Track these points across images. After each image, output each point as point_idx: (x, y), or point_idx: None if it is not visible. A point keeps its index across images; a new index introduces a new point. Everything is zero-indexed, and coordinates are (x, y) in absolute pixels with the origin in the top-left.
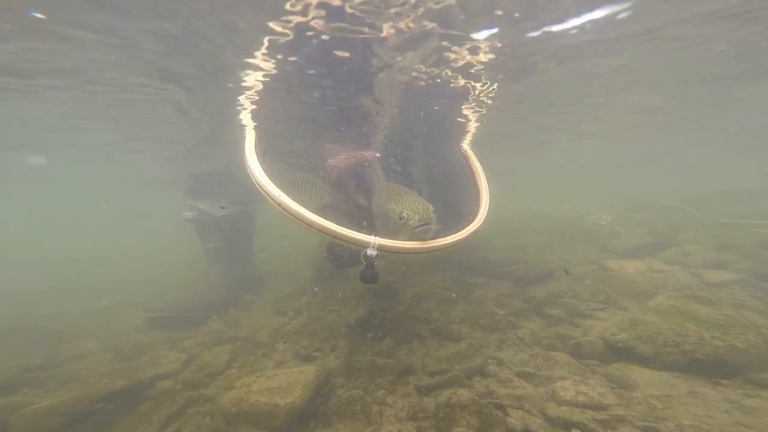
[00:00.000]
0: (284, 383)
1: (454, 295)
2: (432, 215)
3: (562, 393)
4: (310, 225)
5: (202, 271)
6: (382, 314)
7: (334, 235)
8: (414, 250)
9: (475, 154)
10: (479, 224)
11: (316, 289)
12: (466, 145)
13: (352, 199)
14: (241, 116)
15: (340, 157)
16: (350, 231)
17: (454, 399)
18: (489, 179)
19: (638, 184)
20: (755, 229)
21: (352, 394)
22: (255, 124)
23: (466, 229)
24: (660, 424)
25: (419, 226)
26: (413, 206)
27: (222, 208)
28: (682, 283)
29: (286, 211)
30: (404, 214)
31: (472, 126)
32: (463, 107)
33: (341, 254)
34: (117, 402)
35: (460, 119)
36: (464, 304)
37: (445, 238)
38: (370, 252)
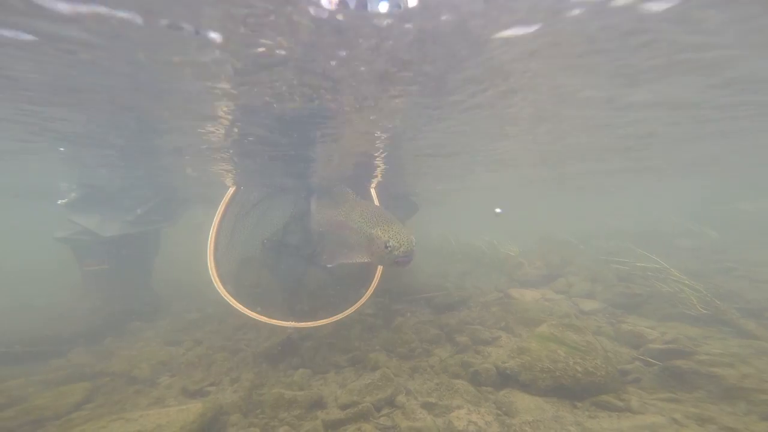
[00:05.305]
0: (151, 426)
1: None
2: (414, 247)
3: (456, 423)
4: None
5: (76, 296)
6: (299, 342)
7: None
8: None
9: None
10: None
11: (225, 315)
12: (372, 188)
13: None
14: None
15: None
16: (272, 319)
17: None
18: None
19: (544, 220)
20: (616, 265)
21: None
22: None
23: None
24: None
25: (402, 258)
26: (399, 237)
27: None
28: (564, 311)
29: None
30: (390, 244)
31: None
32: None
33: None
34: None
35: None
36: (386, 331)
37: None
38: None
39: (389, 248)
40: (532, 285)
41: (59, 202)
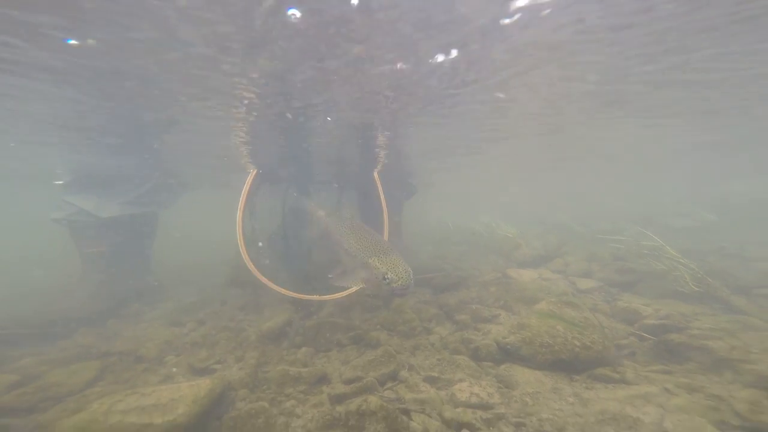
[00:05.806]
0: (165, 400)
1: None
2: (411, 279)
3: (459, 395)
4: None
5: (76, 278)
6: (301, 322)
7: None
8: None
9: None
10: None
11: (227, 297)
12: (376, 174)
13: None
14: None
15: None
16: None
17: (364, 406)
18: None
19: (541, 202)
20: (613, 244)
21: (254, 406)
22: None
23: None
24: (527, 418)
25: (398, 290)
26: (397, 270)
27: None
28: (561, 290)
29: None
30: (388, 276)
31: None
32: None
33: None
34: None
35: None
36: (386, 311)
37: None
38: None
39: (387, 280)
40: (530, 265)
41: (56, 182)
